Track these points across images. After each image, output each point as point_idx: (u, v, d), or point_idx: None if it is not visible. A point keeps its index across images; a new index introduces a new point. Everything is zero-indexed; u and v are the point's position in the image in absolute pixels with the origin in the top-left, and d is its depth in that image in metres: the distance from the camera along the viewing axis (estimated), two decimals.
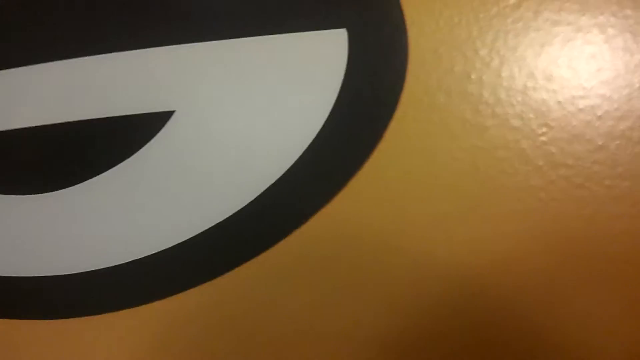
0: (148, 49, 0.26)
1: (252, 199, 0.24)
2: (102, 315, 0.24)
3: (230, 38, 0.25)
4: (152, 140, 0.25)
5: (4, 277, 0.25)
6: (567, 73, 0.23)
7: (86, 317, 0.24)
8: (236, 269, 0.24)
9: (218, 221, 0.24)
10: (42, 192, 0.25)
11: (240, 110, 0.25)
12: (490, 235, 0.22)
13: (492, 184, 0.23)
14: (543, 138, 0.23)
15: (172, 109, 0.25)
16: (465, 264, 0.23)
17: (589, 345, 0.22)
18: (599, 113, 0.23)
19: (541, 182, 0.23)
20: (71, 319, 0.24)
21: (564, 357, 0.22)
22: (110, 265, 0.25)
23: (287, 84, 0.24)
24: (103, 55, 0.26)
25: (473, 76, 0.23)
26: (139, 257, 0.25)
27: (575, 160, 0.23)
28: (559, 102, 0.23)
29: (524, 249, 0.22)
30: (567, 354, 0.22)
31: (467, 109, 0.23)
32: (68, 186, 0.25)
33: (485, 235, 0.23)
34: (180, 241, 0.24)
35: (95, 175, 0.25)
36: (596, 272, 0.22)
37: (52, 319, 0.24)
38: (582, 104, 0.23)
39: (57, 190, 0.26)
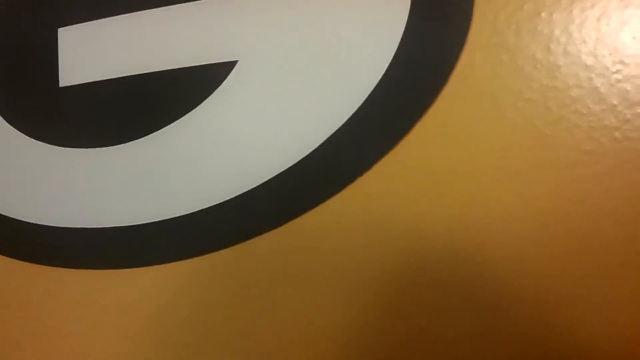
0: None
1: (317, 146, 0.24)
2: (178, 262, 0.25)
3: None
4: (217, 90, 0.25)
5: (71, 228, 0.26)
6: None
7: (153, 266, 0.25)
8: (302, 216, 0.24)
9: (288, 166, 0.24)
10: (110, 145, 0.26)
11: (301, 58, 0.25)
12: (562, 177, 0.22)
13: (565, 125, 0.22)
14: (617, 75, 0.22)
15: (235, 59, 0.25)
16: (536, 207, 0.22)
17: None
18: None
19: (615, 121, 0.22)
20: (143, 268, 0.25)
21: None
22: (177, 215, 0.25)
23: (351, 29, 0.24)
24: (167, 7, 0.26)
25: (543, 14, 0.23)
26: (204, 207, 0.25)
27: None
28: (634, 38, 0.22)
29: (599, 190, 0.22)
30: None
31: (538, 48, 0.23)
32: (136, 138, 0.26)
33: (558, 177, 0.22)
34: (247, 189, 0.25)
35: (162, 127, 0.26)
36: None
37: (114, 268, 0.25)
38: None
39: (125, 142, 0.26)
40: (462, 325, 0.22)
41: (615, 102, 0.22)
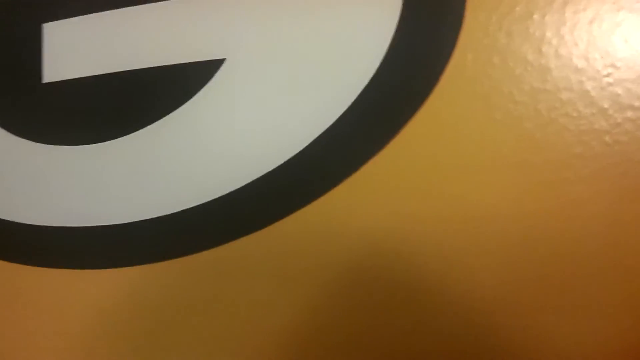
0: None
1: (308, 144, 0.24)
2: (160, 262, 0.24)
3: None
4: (204, 89, 0.25)
5: (52, 227, 0.25)
6: (634, 10, 0.22)
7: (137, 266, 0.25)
8: (288, 217, 0.24)
9: (276, 166, 0.24)
10: (94, 143, 0.26)
11: (291, 55, 0.24)
12: (552, 180, 0.22)
13: (555, 128, 0.22)
14: (608, 79, 0.22)
15: (223, 57, 0.25)
16: (524, 210, 0.22)
17: None
18: None
19: (606, 125, 0.22)
20: (125, 269, 0.25)
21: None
22: (161, 214, 0.25)
23: (341, 28, 0.24)
24: (154, 3, 0.26)
25: (535, 16, 0.23)
26: (189, 207, 0.24)
27: None
28: (626, 41, 0.22)
29: (587, 194, 0.22)
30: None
31: (529, 50, 0.23)
32: (120, 136, 0.25)
33: (548, 180, 0.22)
34: (233, 189, 0.24)
35: (146, 126, 0.25)
36: None
37: (101, 268, 0.25)
38: None
39: (109, 140, 0.26)
40: (453, 327, 0.22)
41: (606, 106, 0.22)
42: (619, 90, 0.22)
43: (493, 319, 0.22)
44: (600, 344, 0.21)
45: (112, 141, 0.25)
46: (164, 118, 0.25)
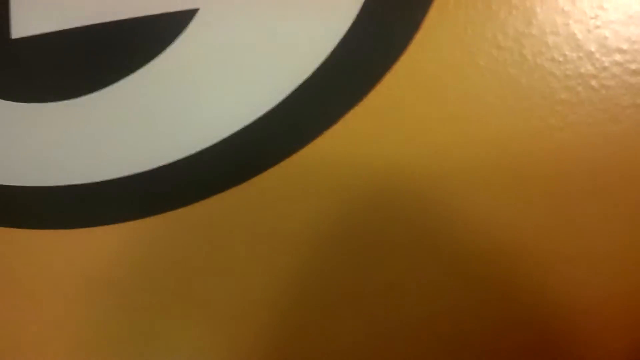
0: None
1: (282, 99, 0.23)
2: (135, 221, 0.23)
3: None
4: (177, 40, 0.24)
5: (22, 187, 0.25)
6: None
7: (103, 226, 0.24)
8: (264, 173, 0.23)
9: (251, 120, 0.23)
10: (66, 99, 0.25)
11: (266, 7, 0.23)
12: (538, 127, 0.21)
13: (540, 73, 0.21)
14: (596, 21, 0.21)
15: (195, 7, 0.24)
16: (509, 159, 0.21)
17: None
18: None
19: (593, 69, 0.21)
20: (81, 229, 0.24)
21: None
22: (136, 172, 0.24)
23: None
24: None
25: None
26: (163, 164, 0.24)
27: (630, 45, 0.21)
28: None
29: (574, 140, 0.21)
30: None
31: None
32: (92, 92, 0.24)
33: (533, 127, 0.21)
34: (208, 145, 0.23)
35: (119, 80, 0.24)
36: None
37: (66, 228, 0.24)
38: None
39: (81, 96, 0.25)
40: (432, 276, 0.21)
41: (592, 49, 0.21)
42: (606, 32, 0.21)
43: (475, 266, 0.21)
44: (586, 288, 0.21)
45: (83, 97, 0.24)
46: (137, 72, 0.24)
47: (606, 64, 0.21)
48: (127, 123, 0.24)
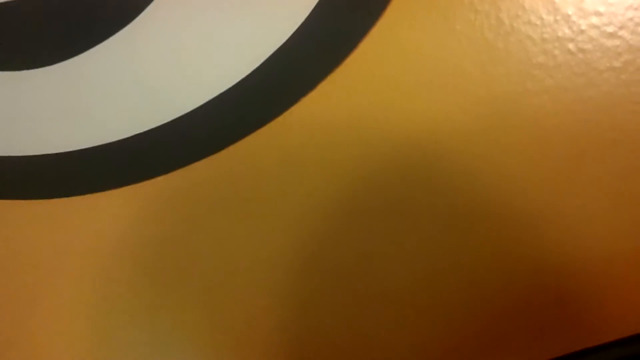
0: None
1: (258, 65, 0.23)
2: (111, 190, 0.23)
3: None
4: (149, 7, 0.23)
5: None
6: None
7: (81, 195, 0.23)
8: (243, 140, 0.23)
9: (227, 87, 0.22)
10: (35, 67, 0.24)
11: None
12: (516, 90, 0.21)
13: (517, 37, 0.21)
14: None
15: None
16: (488, 123, 0.21)
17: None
18: None
19: (570, 32, 0.21)
20: (63, 199, 0.23)
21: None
22: (110, 140, 0.23)
23: None
24: None
25: None
26: (139, 132, 0.23)
27: (607, 7, 0.21)
28: None
29: (550, 104, 0.21)
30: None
31: None
32: (64, 59, 0.24)
33: (508, 91, 0.21)
34: (184, 112, 0.23)
35: (90, 48, 0.24)
36: (627, 127, 0.21)
37: (47, 198, 0.23)
38: None
39: (52, 64, 0.24)
40: (411, 243, 0.21)
41: (569, 12, 0.21)
42: None
43: (454, 227, 0.21)
44: (565, 249, 0.21)
45: (55, 65, 0.24)
46: (109, 39, 0.23)
47: (583, 27, 0.21)
48: (101, 91, 0.23)
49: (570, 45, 0.21)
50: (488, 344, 0.21)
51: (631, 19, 0.21)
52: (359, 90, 0.22)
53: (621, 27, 0.21)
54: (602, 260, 0.20)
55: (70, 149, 0.23)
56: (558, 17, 0.21)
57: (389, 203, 0.22)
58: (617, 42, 0.21)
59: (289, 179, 0.22)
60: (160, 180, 0.23)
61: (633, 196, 0.20)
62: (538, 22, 0.21)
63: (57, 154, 0.24)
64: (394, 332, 0.21)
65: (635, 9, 0.21)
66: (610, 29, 0.21)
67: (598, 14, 0.21)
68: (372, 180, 0.22)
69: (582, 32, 0.21)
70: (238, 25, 0.23)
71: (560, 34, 0.21)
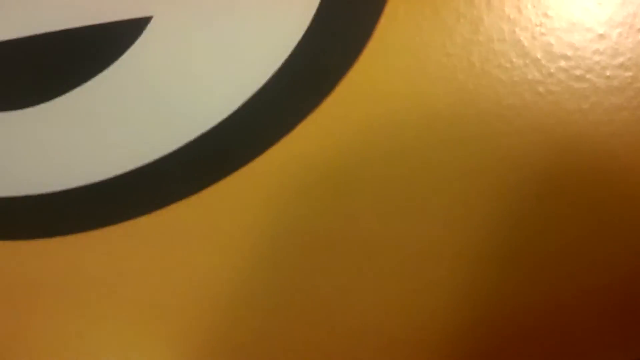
0: None
1: (238, 106, 0.23)
2: (92, 231, 0.23)
3: None
4: (129, 50, 0.24)
5: None
6: None
7: (74, 234, 0.24)
8: (226, 178, 0.23)
9: (208, 128, 0.23)
10: (14, 109, 0.24)
11: (221, 14, 0.23)
12: (486, 131, 0.22)
13: (488, 79, 0.22)
14: (541, 29, 0.22)
15: (149, 15, 0.24)
16: (458, 165, 0.22)
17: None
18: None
19: (539, 75, 0.22)
20: (56, 238, 0.24)
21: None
22: (89, 182, 0.24)
23: None
24: None
25: None
26: (119, 173, 0.24)
27: (574, 51, 0.22)
28: None
29: (522, 144, 0.22)
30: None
31: (461, 1, 0.22)
32: (42, 102, 0.24)
33: (482, 132, 0.22)
34: (166, 153, 0.23)
35: (69, 90, 0.24)
36: (595, 166, 0.21)
37: (32, 239, 0.24)
38: None
39: (30, 107, 0.24)
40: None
41: (538, 56, 0.22)
42: (551, 39, 0.22)
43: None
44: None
45: (33, 107, 0.24)
46: (87, 82, 0.24)
47: (552, 70, 0.22)
48: (79, 133, 0.24)
49: (540, 88, 0.22)
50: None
51: (598, 63, 0.22)
52: (333, 135, 0.22)
53: (588, 71, 0.22)
54: None
55: (49, 191, 0.24)
56: (527, 61, 0.22)
57: (371, 237, 0.22)
58: (584, 84, 0.22)
59: (267, 217, 0.23)
60: (142, 220, 0.23)
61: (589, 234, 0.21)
62: (508, 65, 0.22)
63: (35, 195, 0.24)
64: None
65: (601, 53, 0.21)
66: (577, 72, 0.22)
67: (566, 57, 0.22)
68: (351, 219, 0.22)
69: (550, 75, 0.22)
70: (217, 69, 0.23)
71: (530, 76, 0.22)
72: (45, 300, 0.23)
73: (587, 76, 0.22)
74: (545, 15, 0.22)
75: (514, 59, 0.22)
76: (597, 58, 0.22)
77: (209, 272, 0.23)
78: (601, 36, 0.21)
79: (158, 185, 0.23)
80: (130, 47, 0.24)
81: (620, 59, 0.21)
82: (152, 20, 0.24)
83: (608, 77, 0.21)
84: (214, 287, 0.23)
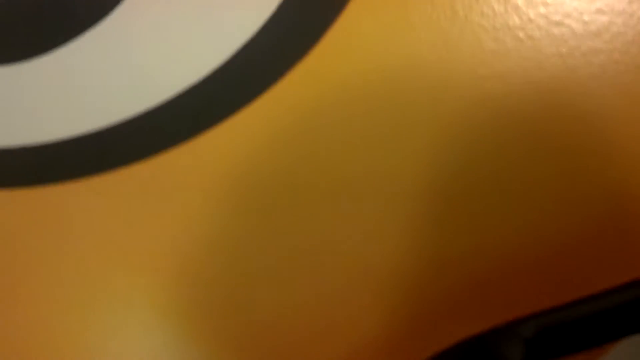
0: None
1: (226, 58, 0.24)
2: (84, 179, 0.24)
3: None
4: (114, 12, 0.24)
5: None
6: None
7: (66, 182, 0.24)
8: (219, 124, 0.24)
9: (200, 78, 0.24)
10: (11, 63, 0.25)
11: None
12: (469, 77, 0.22)
13: (471, 27, 0.23)
14: None
15: None
16: (444, 108, 0.22)
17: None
18: None
19: (519, 21, 0.22)
20: (50, 186, 0.24)
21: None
22: (85, 132, 0.24)
23: None
24: None
25: None
26: (113, 123, 0.24)
27: None
28: None
29: (503, 89, 0.22)
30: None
31: None
32: (37, 55, 0.25)
33: (464, 78, 0.22)
34: (151, 106, 0.24)
35: (63, 44, 0.25)
36: (574, 109, 0.22)
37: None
38: None
39: (24, 60, 0.25)
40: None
41: (519, 3, 0.22)
42: None
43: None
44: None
45: (28, 60, 0.25)
46: (84, 33, 0.24)
47: (532, 16, 0.22)
48: (75, 85, 0.24)
49: (520, 33, 0.22)
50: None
51: (576, 8, 0.22)
52: (318, 88, 0.23)
53: (567, 16, 0.22)
54: None
55: (46, 141, 0.24)
56: (508, 8, 0.22)
57: (358, 182, 0.23)
58: (563, 29, 0.22)
59: (257, 168, 0.23)
60: (135, 166, 0.24)
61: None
62: (490, 13, 0.23)
63: (32, 145, 0.24)
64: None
65: None
66: (556, 18, 0.22)
67: (545, 4, 0.22)
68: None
69: (530, 20, 0.22)
70: (209, 18, 0.24)
71: (510, 23, 0.22)
72: (36, 248, 0.24)
73: (566, 21, 0.22)
74: None
75: (496, 7, 0.22)
76: (575, 4, 0.22)
77: (199, 219, 0.23)
78: None
79: (151, 132, 0.24)
80: (115, 10, 0.24)
81: (597, 4, 0.22)
82: None
83: (585, 22, 0.22)
84: (205, 234, 0.23)
